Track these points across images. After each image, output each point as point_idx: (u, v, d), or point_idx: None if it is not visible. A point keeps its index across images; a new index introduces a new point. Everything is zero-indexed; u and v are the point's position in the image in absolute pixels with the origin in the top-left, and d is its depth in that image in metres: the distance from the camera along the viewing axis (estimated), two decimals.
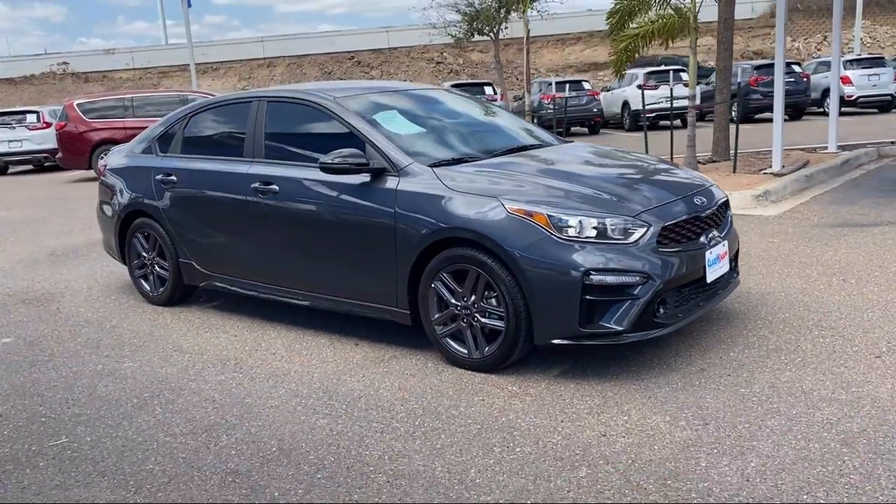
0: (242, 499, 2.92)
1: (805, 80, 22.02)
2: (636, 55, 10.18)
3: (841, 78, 20.95)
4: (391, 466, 3.10)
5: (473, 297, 3.94)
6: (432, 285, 4.08)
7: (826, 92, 22.68)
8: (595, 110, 21.73)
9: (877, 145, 12.33)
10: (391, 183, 4.22)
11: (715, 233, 4.15)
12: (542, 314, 3.74)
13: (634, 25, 10.18)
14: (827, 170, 10.05)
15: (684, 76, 21.65)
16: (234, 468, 3.16)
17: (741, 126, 11.21)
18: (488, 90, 21.89)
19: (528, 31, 20.68)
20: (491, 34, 24.43)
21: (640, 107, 21.61)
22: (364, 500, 2.86)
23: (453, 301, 4.02)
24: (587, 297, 3.64)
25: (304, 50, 47.02)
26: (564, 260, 3.66)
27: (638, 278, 3.67)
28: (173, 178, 5.34)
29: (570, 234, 3.70)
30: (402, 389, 3.89)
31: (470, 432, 3.36)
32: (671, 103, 12.38)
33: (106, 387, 4.16)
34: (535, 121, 20.48)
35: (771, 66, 22.84)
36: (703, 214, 4.09)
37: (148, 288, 5.74)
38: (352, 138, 4.46)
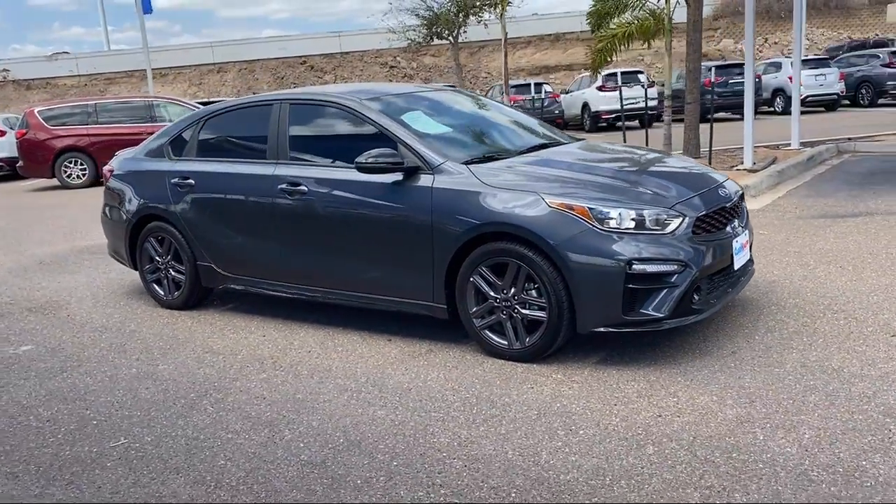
0: (326, 487, 3.00)
1: (757, 79, 22.70)
2: (613, 56, 10.45)
3: (790, 78, 21.83)
4: (463, 452, 3.21)
5: (513, 290, 4.07)
6: (471, 279, 4.20)
7: (776, 92, 23.61)
8: (557, 112, 22.11)
9: (835, 142, 12.86)
10: (426, 181, 4.32)
11: (737, 222, 4.37)
12: (585, 304, 3.89)
13: (612, 26, 10.45)
14: (795, 165, 10.47)
15: (641, 78, 22.22)
16: (307, 460, 3.23)
17: (701, 125, 11.62)
18: None
19: (506, 32, 20.91)
20: (450, 38, 24.62)
21: (600, 108, 22.26)
22: (447, 482, 2.97)
23: (492, 294, 4.14)
24: (629, 285, 3.81)
25: (254, 55, 46.53)
26: (607, 251, 3.82)
27: (676, 267, 3.85)
28: (190, 181, 5.34)
29: (611, 225, 3.86)
30: (449, 380, 4.00)
31: (529, 418, 3.49)
32: (648, 103, 12.58)
33: (147, 389, 4.16)
34: None
35: (727, 67, 23.66)
36: (728, 205, 4.30)
37: (162, 292, 5.72)
38: (381, 138, 4.55)
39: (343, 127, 4.89)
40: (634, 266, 3.80)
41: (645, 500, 2.77)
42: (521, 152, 4.73)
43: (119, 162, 6.06)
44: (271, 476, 3.12)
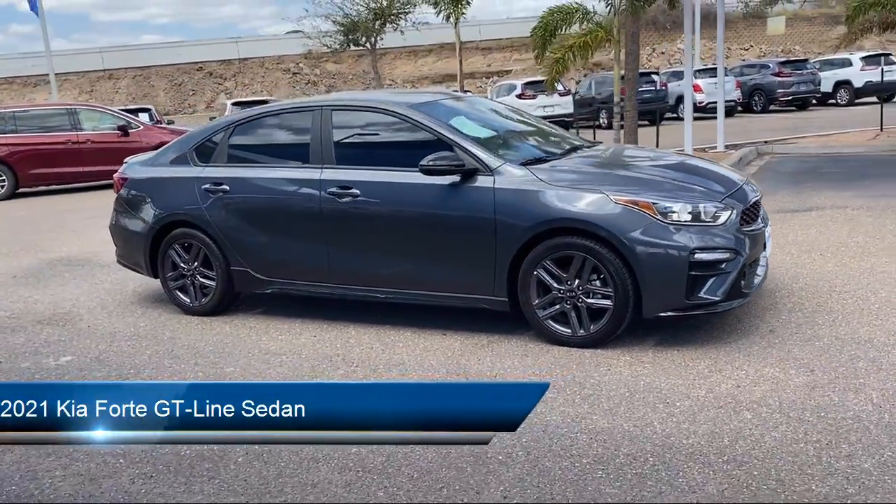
0: (500, 465, 3.22)
1: (664, 88, 24.10)
2: (567, 66, 11.01)
3: (693, 86, 23.26)
4: (581, 427, 3.50)
5: (578, 281, 4.40)
6: (534, 273, 4.49)
7: (680, 99, 25.07)
8: None
9: (754, 144, 13.94)
10: (486, 181, 4.59)
11: (760, 217, 4.87)
12: (652, 291, 4.27)
13: (556, 40, 11.00)
14: (731, 166, 11.31)
15: (558, 87, 23.17)
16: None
17: (612, 131, 12.36)
18: None
19: (460, 40, 21.13)
20: (368, 44, 24.80)
21: None
22: (582, 452, 3.26)
23: (557, 286, 4.45)
24: (692, 272, 4.22)
25: (147, 61, 45.07)
26: (673, 242, 4.22)
27: (729, 254, 4.28)
28: (225, 186, 5.38)
29: (672, 218, 4.26)
30: (526, 367, 4.28)
31: (623, 395, 3.82)
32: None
33: None
34: None
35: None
36: (757, 201, 4.79)
37: (188, 299, 5.70)
38: (434, 143, 4.78)
39: (390, 132, 5.09)
40: (696, 255, 4.21)
41: (767, 455, 3.15)
42: (563, 154, 5.07)
43: (132, 169, 5.99)
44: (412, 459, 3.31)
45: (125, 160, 6.25)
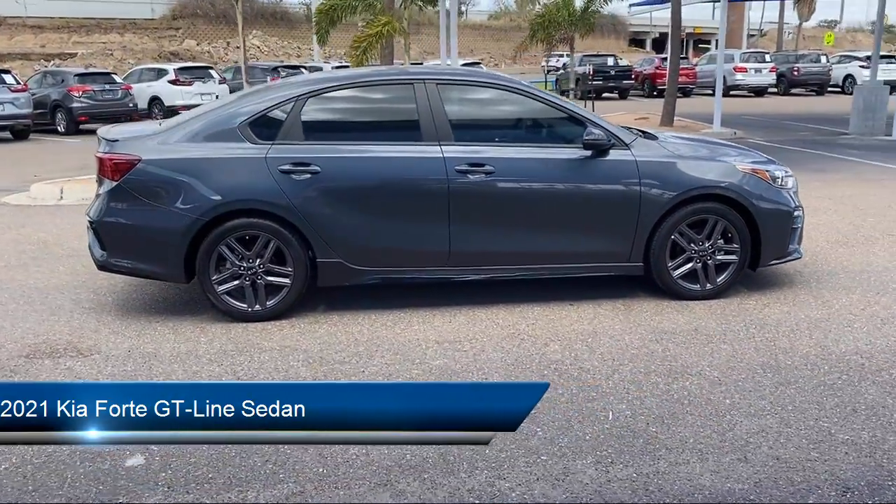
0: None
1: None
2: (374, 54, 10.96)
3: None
4: (766, 359, 4.15)
5: (710, 241, 5.03)
6: (671, 237, 4.99)
7: None
8: (131, 105, 20.42)
9: None
10: (626, 155, 4.90)
11: None
12: (768, 245, 5.08)
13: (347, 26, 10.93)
14: None
15: (213, 73, 22.11)
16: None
17: None
18: None
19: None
20: None
21: (173, 102, 21.35)
22: (784, 366, 3.98)
23: (691, 247, 5.01)
24: (792, 227, 5.18)
25: None
26: (784, 202, 5.12)
27: (801, 212, 5.33)
28: (314, 167, 4.64)
29: (778, 183, 5.15)
30: (684, 321, 4.73)
31: (784, 331, 4.56)
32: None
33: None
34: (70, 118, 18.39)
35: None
36: None
37: (243, 304, 4.74)
38: (559, 119, 4.96)
39: (506, 107, 5.01)
40: (795, 212, 5.18)
41: None
42: (644, 134, 5.49)
43: (142, 147, 4.68)
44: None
45: (107, 135, 4.83)
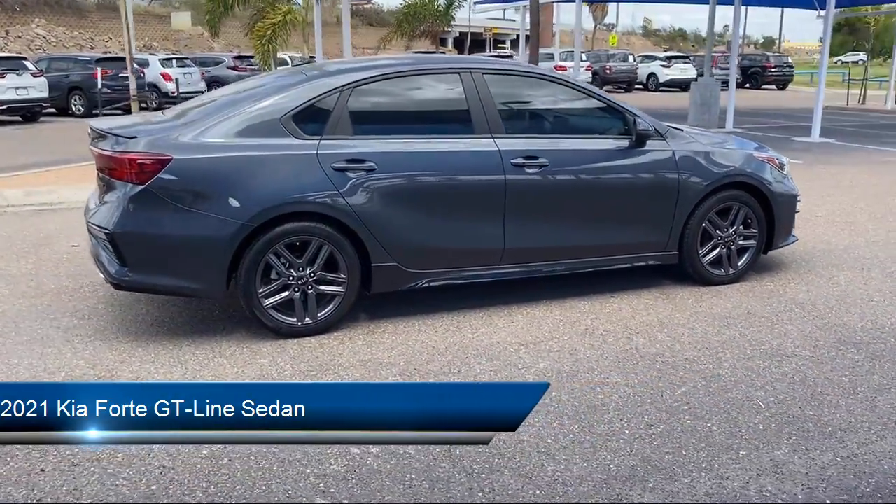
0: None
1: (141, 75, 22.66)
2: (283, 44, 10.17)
3: (163, 75, 22.73)
4: (791, 343, 4.38)
5: (734, 228, 5.21)
6: (702, 225, 5.11)
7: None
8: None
9: None
10: (662, 145, 4.94)
11: None
12: (780, 229, 5.36)
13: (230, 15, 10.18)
14: None
15: (29, 65, 19.62)
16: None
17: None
18: None
19: None
20: None
21: None
22: (820, 344, 4.34)
23: (718, 233, 5.17)
24: (796, 211, 5.50)
25: None
26: (791, 188, 5.42)
27: (800, 198, 5.68)
28: (370, 164, 4.23)
29: (785, 171, 5.44)
30: (713, 307, 4.88)
31: (793, 315, 4.79)
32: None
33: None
34: None
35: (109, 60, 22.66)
36: None
37: (292, 318, 4.23)
38: (601, 109, 4.91)
39: (548, 98, 4.86)
40: (799, 196, 5.50)
41: None
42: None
43: (173, 146, 4.00)
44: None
45: (113, 129, 4.08)
